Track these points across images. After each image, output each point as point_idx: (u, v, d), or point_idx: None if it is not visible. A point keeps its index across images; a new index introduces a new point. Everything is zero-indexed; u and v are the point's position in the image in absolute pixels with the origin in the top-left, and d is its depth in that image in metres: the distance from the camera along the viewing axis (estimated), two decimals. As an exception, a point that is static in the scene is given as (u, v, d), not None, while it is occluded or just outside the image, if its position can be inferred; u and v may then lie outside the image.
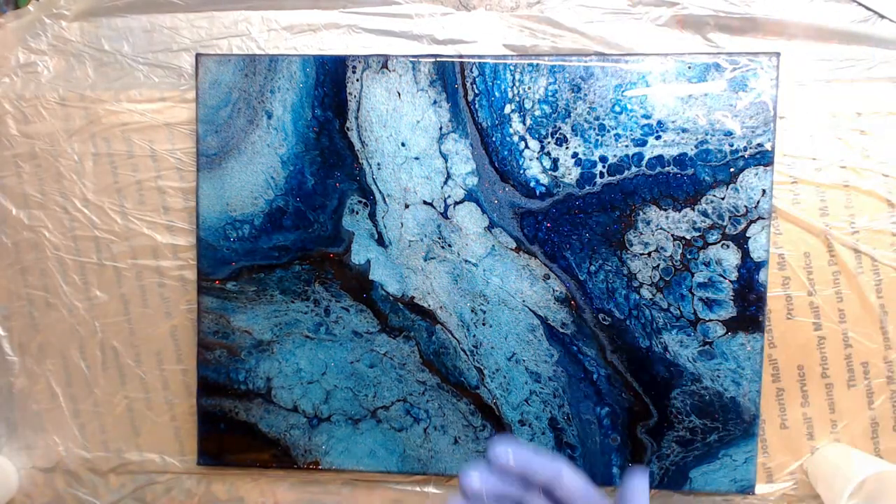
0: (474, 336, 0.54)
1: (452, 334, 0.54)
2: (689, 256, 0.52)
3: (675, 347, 0.53)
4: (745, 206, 0.51)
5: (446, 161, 0.53)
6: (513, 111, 0.53)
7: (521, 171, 0.53)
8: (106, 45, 0.58)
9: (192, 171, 0.57)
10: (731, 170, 0.51)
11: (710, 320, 0.52)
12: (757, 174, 0.51)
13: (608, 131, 0.52)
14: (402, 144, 0.54)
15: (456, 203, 0.54)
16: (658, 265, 0.52)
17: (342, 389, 0.56)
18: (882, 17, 0.53)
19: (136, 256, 0.58)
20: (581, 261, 0.53)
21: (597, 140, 0.52)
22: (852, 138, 0.53)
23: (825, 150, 0.53)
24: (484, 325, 0.54)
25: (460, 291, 0.54)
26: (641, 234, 0.52)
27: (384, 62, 0.53)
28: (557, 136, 0.53)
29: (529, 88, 0.52)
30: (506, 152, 0.53)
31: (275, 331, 0.56)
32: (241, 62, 0.55)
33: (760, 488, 0.54)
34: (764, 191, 0.51)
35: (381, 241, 0.54)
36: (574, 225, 0.53)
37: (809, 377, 0.54)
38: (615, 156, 0.52)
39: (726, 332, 0.52)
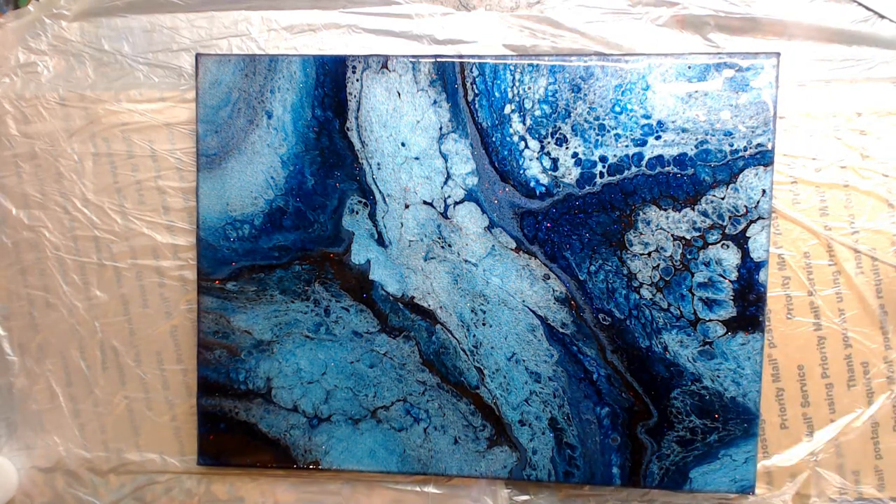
0: (474, 336, 0.54)
1: (452, 334, 0.55)
2: (689, 256, 0.52)
3: (675, 347, 0.53)
4: (745, 206, 0.51)
5: (446, 161, 0.53)
6: (513, 111, 0.53)
7: (521, 171, 0.53)
8: (106, 45, 0.58)
9: (192, 171, 0.57)
10: (732, 170, 0.51)
11: (710, 320, 0.52)
12: (757, 174, 0.51)
13: (608, 131, 0.52)
14: (402, 144, 0.54)
15: (456, 203, 0.54)
16: (658, 265, 0.52)
17: (342, 389, 0.56)
18: (882, 17, 0.53)
19: (136, 256, 0.58)
20: (581, 261, 0.53)
21: (597, 140, 0.52)
22: (852, 138, 0.53)
23: (825, 150, 0.53)
24: (484, 325, 0.54)
25: (460, 291, 0.54)
26: (641, 234, 0.52)
27: (384, 62, 0.53)
28: (557, 136, 0.53)
29: (529, 88, 0.52)
30: (506, 152, 0.53)
31: (275, 331, 0.56)
32: (241, 62, 0.55)
33: (760, 488, 0.54)
34: (764, 191, 0.51)
35: (381, 241, 0.54)
36: (574, 225, 0.53)
37: (809, 377, 0.54)
38: (615, 156, 0.52)
39: (726, 332, 0.52)
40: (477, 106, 0.53)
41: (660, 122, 0.52)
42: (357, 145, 0.54)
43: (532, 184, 0.53)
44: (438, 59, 0.53)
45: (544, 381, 0.54)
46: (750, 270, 0.52)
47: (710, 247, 0.52)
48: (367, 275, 0.55)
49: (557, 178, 0.53)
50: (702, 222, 0.52)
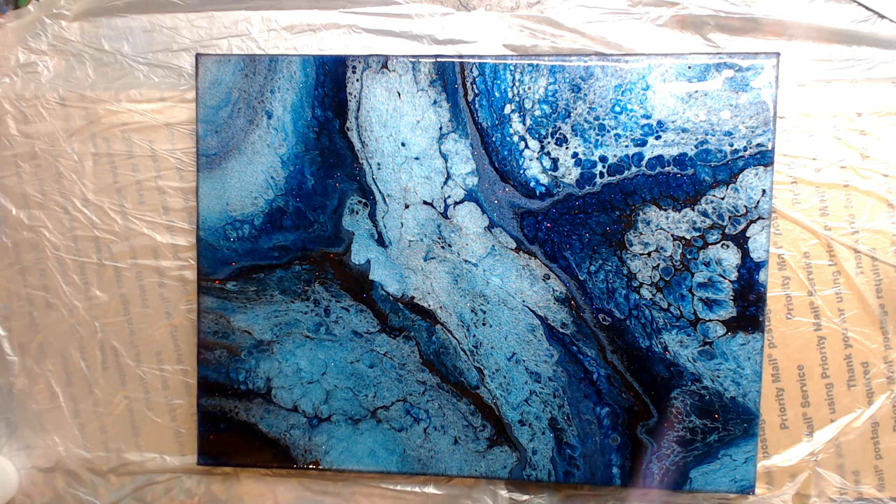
0: (474, 336, 0.54)
1: (452, 334, 0.55)
2: (689, 256, 0.52)
3: (675, 347, 0.53)
4: (745, 206, 0.51)
5: (446, 161, 0.53)
6: (513, 111, 0.53)
7: (521, 171, 0.53)
8: (106, 45, 0.58)
9: (192, 171, 0.57)
10: (731, 170, 0.51)
11: (710, 320, 0.52)
12: (757, 174, 0.51)
13: (608, 131, 0.52)
14: (402, 144, 0.54)
15: (456, 203, 0.54)
16: (658, 265, 0.52)
17: (342, 389, 0.56)
18: (882, 17, 0.53)
19: (136, 256, 0.58)
20: (581, 261, 0.53)
21: (597, 140, 0.52)
22: (852, 138, 0.53)
23: (825, 150, 0.53)
24: (484, 325, 0.54)
25: (460, 291, 0.54)
26: (641, 234, 0.52)
27: (384, 62, 0.53)
28: (557, 136, 0.53)
29: (529, 88, 0.52)
30: (506, 152, 0.53)
31: (275, 331, 0.56)
32: (241, 62, 0.55)
33: (760, 488, 0.55)
34: (764, 191, 0.51)
35: (381, 241, 0.54)
36: (574, 225, 0.53)
37: (809, 377, 0.54)
38: (615, 156, 0.52)
39: (726, 332, 0.52)
40: (477, 106, 0.53)
41: (660, 122, 0.52)
42: (357, 145, 0.54)
43: (532, 184, 0.53)
44: (438, 59, 0.53)
45: (544, 381, 0.54)
46: (750, 270, 0.52)
47: (710, 247, 0.52)
48: (367, 275, 0.55)
49: (557, 178, 0.53)
50: (702, 222, 0.52)
